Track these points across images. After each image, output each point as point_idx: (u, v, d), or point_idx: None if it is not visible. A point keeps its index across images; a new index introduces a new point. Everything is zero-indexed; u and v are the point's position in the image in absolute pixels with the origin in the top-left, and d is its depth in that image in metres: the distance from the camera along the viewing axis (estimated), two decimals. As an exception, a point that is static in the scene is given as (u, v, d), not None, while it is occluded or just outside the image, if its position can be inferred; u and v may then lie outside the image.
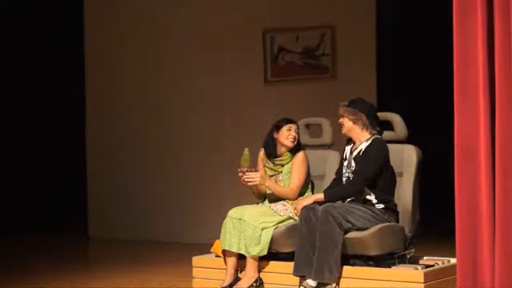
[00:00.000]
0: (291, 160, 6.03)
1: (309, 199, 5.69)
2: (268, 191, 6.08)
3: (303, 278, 5.53)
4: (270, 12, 9.20)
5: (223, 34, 9.37)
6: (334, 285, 5.43)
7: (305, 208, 5.58)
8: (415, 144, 5.90)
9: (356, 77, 8.65)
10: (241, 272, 5.84)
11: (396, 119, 5.89)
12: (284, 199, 5.99)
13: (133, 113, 9.88)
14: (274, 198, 6.03)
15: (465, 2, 4.54)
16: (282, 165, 6.05)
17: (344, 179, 5.77)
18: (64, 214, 11.16)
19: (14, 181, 11.27)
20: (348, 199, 5.67)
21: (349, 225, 5.48)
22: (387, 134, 5.84)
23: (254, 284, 5.75)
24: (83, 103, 10.28)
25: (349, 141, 5.86)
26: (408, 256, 5.64)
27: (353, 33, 8.81)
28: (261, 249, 5.74)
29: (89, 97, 10.22)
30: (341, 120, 5.78)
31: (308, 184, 6.08)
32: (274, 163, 6.08)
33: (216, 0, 9.48)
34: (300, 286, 5.50)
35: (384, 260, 5.53)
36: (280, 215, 5.87)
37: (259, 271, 5.80)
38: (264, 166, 6.13)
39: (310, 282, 5.44)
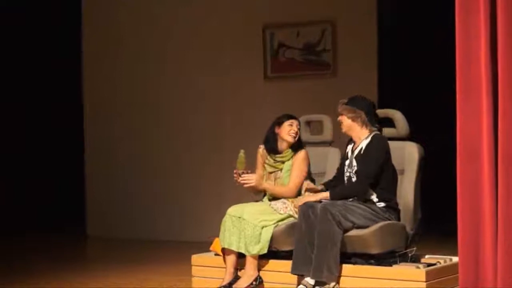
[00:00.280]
0: (292, 158, 5.99)
1: (314, 197, 5.64)
2: (267, 187, 6.06)
3: (301, 276, 5.49)
4: (270, 7, 9.18)
5: (223, 34, 9.36)
6: (333, 284, 5.40)
7: (304, 204, 5.53)
8: (416, 141, 5.88)
9: (357, 75, 8.63)
10: (240, 270, 5.81)
11: (397, 116, 5.85)
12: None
13: (133, 113, 9.88)
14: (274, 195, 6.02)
15: (468, 2, 4.51)
16: (283, 162, 6.01)
17: (345, 178, 5.74)
18: (64, 214, 11.19)
19: (14, 181, 11.27)
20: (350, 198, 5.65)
21: (350, 224, 5.44)
22: (388, 131, 5.81)
23: (254, 283, 5.72)
24: (82, 103, 10.28)
25: (351, 140, 5.83)
26: (409, 255, 5.61)
27: (354, 30, 8.79)
28: (261, 247, 5.70)
29: (88, 97, 10.22)
30: (339, 118, 5.75)
31: (307, 183, 6.06)
32: (274, 160, 6.04)
33: (216, 0, 9.48)
34: (299, 284, 5.46)
35: (385, 259, 5.49)
36: (280, 213, 5.84)
37: (259, 270, 5.77)
38: (264, 162, 6.10)
39: (309, 280, 5.41)
